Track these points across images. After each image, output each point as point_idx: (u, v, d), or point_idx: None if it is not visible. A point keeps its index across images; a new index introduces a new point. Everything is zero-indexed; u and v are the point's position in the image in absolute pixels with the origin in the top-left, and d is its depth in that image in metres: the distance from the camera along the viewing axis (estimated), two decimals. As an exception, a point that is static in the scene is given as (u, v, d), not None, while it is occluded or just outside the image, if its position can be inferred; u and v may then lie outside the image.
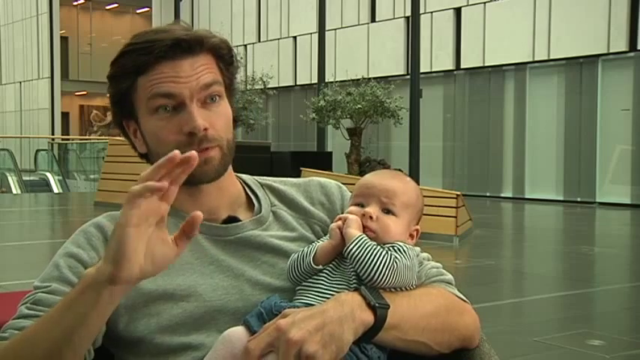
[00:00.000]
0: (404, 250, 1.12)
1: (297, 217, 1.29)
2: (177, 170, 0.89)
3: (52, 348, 0.97)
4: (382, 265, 1.08)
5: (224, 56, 1.21)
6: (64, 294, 1.07)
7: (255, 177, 1.33)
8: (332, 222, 1.24)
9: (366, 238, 1.11)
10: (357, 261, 1.09)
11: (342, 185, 1.35)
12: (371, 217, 1.14)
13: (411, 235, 1.20)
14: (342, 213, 1.25)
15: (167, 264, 0.94)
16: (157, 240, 0.92)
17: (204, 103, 1.17)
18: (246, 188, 1.30)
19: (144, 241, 0.91)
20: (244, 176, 1.32)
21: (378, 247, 1.11)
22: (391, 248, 1.11)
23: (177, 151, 0.88)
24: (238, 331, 1.06)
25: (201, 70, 1.16)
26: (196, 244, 1.19)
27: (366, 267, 1.08)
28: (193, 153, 0.88)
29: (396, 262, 1.09)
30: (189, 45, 1.16)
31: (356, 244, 1.10)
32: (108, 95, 1.22)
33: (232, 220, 1.24)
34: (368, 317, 1.03)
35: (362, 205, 1.17)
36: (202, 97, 1.16)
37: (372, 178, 1.21)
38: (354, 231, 1.12)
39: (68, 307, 0.97)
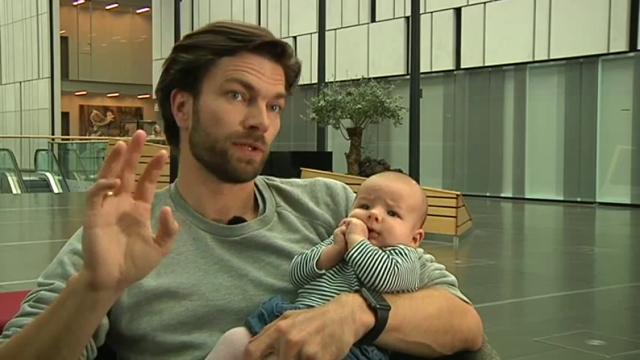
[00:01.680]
0: (405, 254, 1.11)
1: (301, 218, 1.29)
2: (135, 155, 0.87)
3: (39, 352, 0.96)
4: (383, 269, 1.08)
5: (291, 77, 1.24)
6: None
7: (264, 177, 1.33)
8: (336, 223, 1.24)
9: (368, 243, 1.11)
10: (358, 266, 1.09)
11: (347, 186, 1.35)
12: (377, 219, 1.14)
13: (415, 239, 1.20)
14: (347, 214, 1.26)
15: (153, 265, 0.92)
16: (136, 239, 0.90)
17: (268, 109, 1.19)
18: (255, 189, 1.31)
19: (118, 242, 0.89)
20: None
21: (380, 251, 1.10)
22: (392, 252, 1.11)
23: (122, 143, 0.86)
24: (239, 332, 1.06)
25: (278, 78, 1.19)
26: (203, 244, 1.20)
27: (367, 272, 1.08)
28: (163, 153, 0.87)
29: (397, 266, 1.09)
30: (281, 52, 1.19)
31: (357, 249, 1.09)
32: (173, 60, 1.19)
33: (238, 220, 1.24)
34: (369, 319, 1.03)
35: (367, 207, 1.17)
36: (270, 102, 1.19)
37: (378, 180, 1.21)
38: (357, 236, 1.11)
39: (54, 312, 0.96)
